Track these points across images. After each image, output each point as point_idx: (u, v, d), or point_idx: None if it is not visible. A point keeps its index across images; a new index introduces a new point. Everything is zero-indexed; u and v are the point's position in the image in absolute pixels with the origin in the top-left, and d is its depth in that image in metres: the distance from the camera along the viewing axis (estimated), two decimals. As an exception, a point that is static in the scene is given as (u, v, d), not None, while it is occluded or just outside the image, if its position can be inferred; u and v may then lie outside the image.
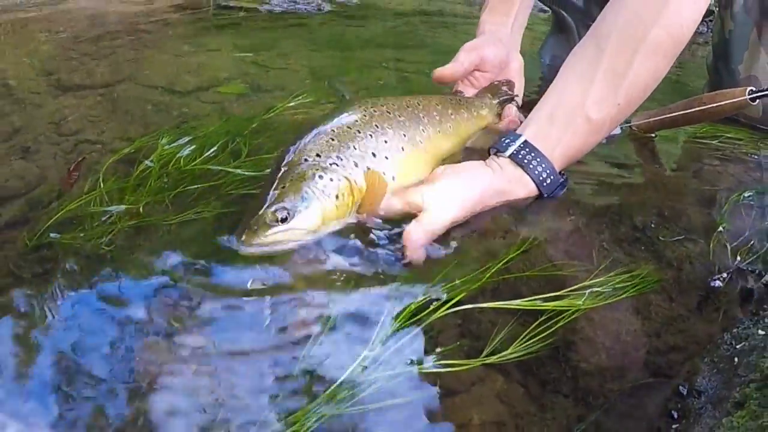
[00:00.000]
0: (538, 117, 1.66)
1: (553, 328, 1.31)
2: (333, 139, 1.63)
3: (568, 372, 1.28)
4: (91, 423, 1.16)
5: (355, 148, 1.62)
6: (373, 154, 1.61)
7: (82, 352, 1.28)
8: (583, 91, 1.61)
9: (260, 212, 1.50)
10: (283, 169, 1.58)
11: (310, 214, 1.52)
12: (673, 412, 1.21)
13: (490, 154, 1.67)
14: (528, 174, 1.59)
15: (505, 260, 1.49)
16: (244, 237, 1.47)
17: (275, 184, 1.56)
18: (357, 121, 1.68)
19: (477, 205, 1.56)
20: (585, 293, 1.40)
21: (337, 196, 1.55)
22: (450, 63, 1.97)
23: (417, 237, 1.46)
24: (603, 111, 1.60)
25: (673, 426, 1.19)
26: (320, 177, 1.55)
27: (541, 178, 1.59)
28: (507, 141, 1.63)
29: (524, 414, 1.20)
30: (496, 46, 2.03)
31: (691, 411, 1.20)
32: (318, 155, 1.59)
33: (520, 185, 1.60)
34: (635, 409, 1.23)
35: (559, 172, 1.64)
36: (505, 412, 1.20)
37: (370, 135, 1.64)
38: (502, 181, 1.59)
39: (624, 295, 1.41)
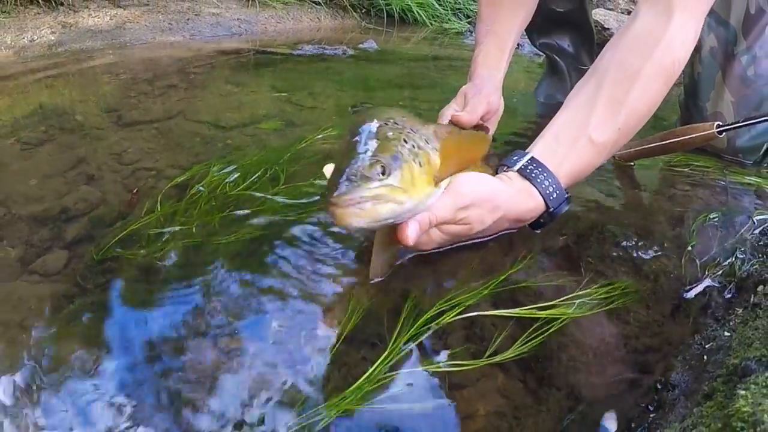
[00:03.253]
0: (544, 137, 1.62)
1: (546, 333, 1.33)
2: (403, 117, 1.52)
3: (560, 369, 1.28)
4: (143, 413, 1.17)
5: (418, 131, 1.49)
6: (426, 141, 1.48)
7: (137, 350, 1.31)
8: (586, 116, 1.58)
9: (353, 167, 1.32)
10: (362, 134, 1.42)
11: (404, 174, 1.34)
12: (650, 403, 1.22)
13: (498, 172, 1.62)
14: (535, 187, 1.53)
15: (507, 273, 1.51)
16: (343, 190, 1.29)
17: (360, 145, 1.38)
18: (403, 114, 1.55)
19: (493, 201, 1.49)
20: (575, 303, 1.42)
21: (420, 164, 1.39)
22: (465, 111, 1.90)
23: (443, 203, 1.41)
24: (605, 135, 1.57)
25: (651, 415, 1.19)
26: (405, 141, 1.41)
27: (548, 191, 1.53)
28: (515, 158, 1.59)
29: (522, 406, 1.21)
30: (496, 94, 2.01)
31: (666, 402, 1.21)
32: (396, 123, 1.47)
33: (528, 197, 1.53)
34: (618, 401, 1.24)
35: (567, 192, 1.59)
36: (506, 404, 1.21)
37: (419, 125, 1.52)
38: (513, 191, 1.53)
39: (609, 306, 1.42)
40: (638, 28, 1.64)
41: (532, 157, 1.56)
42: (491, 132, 2.03)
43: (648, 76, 1.57)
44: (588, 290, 1.45)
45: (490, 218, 1.49)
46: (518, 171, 1.55)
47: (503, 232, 1.63)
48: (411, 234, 1.35)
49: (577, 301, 1.43)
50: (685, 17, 1.60)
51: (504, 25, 2.10)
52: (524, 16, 2.17)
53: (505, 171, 1.59)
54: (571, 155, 1.57)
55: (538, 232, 1.65)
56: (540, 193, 1.53)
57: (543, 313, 1.37)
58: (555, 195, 1.54)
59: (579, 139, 1.57)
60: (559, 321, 1.36)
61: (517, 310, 1.38)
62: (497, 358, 1.27)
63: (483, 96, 1.95)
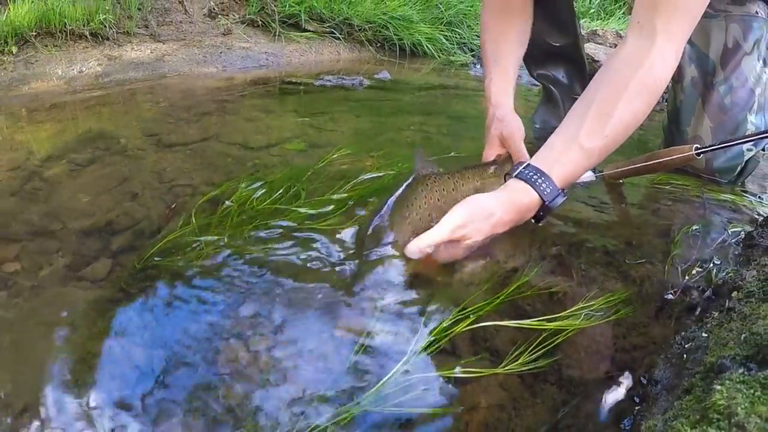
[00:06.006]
0: (542, 148, 1.68)
1: (553, 343, 1.34)
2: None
3: (554, 365, 1.29)
4: (180, 404, 1.18)
5: None
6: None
7: (174, 346, 1.32)
8: (577, 127, 1.63)
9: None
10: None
11: None
12: (635, 396, 1.22)
13: (506, 181, 1.68)
14: (529, 184, 1.59)
15: (514, 286, 1.51)
16: None
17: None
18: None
19: (485, 210, 1.56)
20: (580, 314, 1.42)
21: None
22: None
23: (438, 228, 1.51)
24: (593, 142, 1.61)
25: (636, 408, 1.20)
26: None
27: (541, 187, 1.58)
28: (517, 167, 1.66)
29: (520, 398, 1.22)
30: (520, 123, 2.06)
31: (650, 396, 1.21)
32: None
33: (524, 194, 1.59)
34: (607, 395, 1.24)
35: (562, 190, 1.63)
36: (506, 397, 1.22)
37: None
38: (505, 195, 1.60)
39: (611, 318, 1.43)
40: (625, 51, 1.70)
41: (528, 164, 1.63)
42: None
43: (632, 93, 1.62)
44: (592, 302, 1.46)
45: (488, 225, 1.54)
46: (516, 176, 1.62)
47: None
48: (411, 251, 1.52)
49: (583, 312, 1.43)
50: (666, 42, 1.65)
51: (506, 58, 2.16)
52: (521, 51, 2.24)
53: (507, 179, 1.66)
54: (563, 158, 1.63)
55: (540, 224, 1.69)
56: (533, 189, 1.58)
57: (551, 325, 1.38)
58: (549, 190, 1.59)
59: (570, 145, 1.63)
60: (565, 333, 1.37)
61: (527, 321, 1.39)
62: (503, 370, 1.27)
63: (518, 131, 2.02)
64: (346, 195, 1.92)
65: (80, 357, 1.30)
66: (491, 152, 2.04)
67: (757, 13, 2.20)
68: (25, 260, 1.63)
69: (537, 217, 1.66)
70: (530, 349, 1.31)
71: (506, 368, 1.27)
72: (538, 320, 1.40)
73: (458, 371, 1.27)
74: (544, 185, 1.59)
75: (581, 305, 1.46)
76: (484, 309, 1.42)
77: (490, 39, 2.20)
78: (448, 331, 1.35)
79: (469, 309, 1.42)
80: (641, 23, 1.69)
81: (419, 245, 1.50)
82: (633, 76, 1.64)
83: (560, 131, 1.69)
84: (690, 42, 2.25)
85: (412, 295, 1.47)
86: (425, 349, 1.31)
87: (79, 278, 1.57)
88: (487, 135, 2.08)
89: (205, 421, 1.16)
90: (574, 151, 1.63)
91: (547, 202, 1.60)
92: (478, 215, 1.55)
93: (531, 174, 1.61)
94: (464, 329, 1.36)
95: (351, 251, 1.62)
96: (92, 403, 1.19)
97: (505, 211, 1.58)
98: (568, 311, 1.44)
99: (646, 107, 1.68)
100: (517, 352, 1.31)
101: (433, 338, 1.34)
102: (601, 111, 1.63)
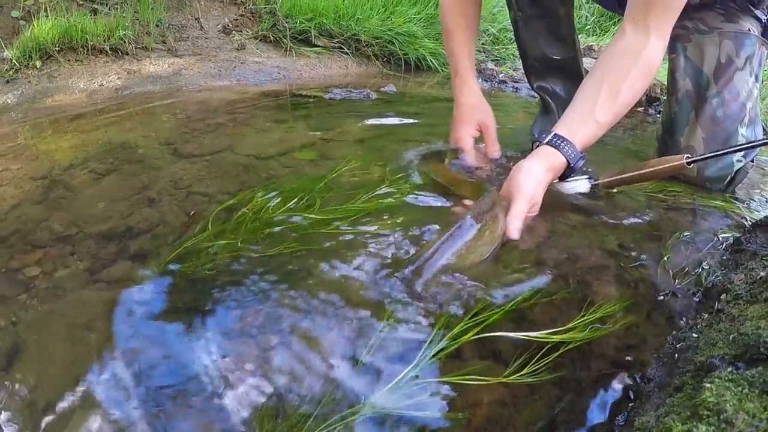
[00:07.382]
0: (564, 119, 1.92)
1: (556, 355, 1.34)
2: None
3: (550, 363, 1.29)
4: (193, 403, 1.19)
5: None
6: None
7: (187, 344, 1.34)
8: (592, 105, 1.87)
9: None
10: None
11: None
12: (629, 394, 1.23)
13: (533, 145, 1.97)
14: (557, 149, 1.84)
15: (516, 300, 1.52)
16: None
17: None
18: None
19: (540, 181, 1.82)
20: (583, 325, 1.43)
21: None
22: (495, 150, 2.39)
23: (513, 224, 1.72)
24: (605, 117, 1.86)
25: (630, 405, 1.21)
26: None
27: (568, 153, 1.83)
28: (545, 136, 1.89)
29: (519, 395, 1.22)
30: (485, 111, 2.43)
31: (643, 393, 1.22)
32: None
33: (554, 157, 1.83)
34: (602, 392, 1.24)
35: (581, 153, 1.87)
36: (506, 393, 1.22)
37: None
38: (542, 158, 1.84)
39: (612, 328, 1.44)
40: (626, 42, 1.90)
41: (555, 133, 1.87)
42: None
43: (633, 78, 1.87)
44: (593, 314, 1.47)
45: (542, 187, 1.84)
46: (545, 143, 1.86)
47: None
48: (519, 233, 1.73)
49: (586, 323, 1.44)
50: (657, 37, 1.88)
51: (473, 47, 2.57)
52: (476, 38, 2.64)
53: (538, 145, 1.89)
54: (582, 129, 1.88)
55: (568, 180, 1.99)
56: (562, 154, 1.84)
57: (556, 338, 1.38)
58: (572, 154, 1.84)
59: (588, 120, 1.88)
60: (567, 345, 1.38)
61: (534, 333, 1.40)
62: (508, 379, 1.28)
63: (494, 121, 2.43)
64: (358, 206, 1.92)
65: (100, 357, 1.31)
66: (468, 131, 2.42)
67: (749, 30, 2.22)
68: (48, 265, 1.64)
69: (562, 176, 1.92)
70: (535, 358, 1.32)
71: (511, 377, 1.28)
72: (543, 333, 1.40)
73: (465, 377, 1.27)
74: (568, 150, 1.85)
75: (583, 315, 1.46)
76: (492, 318, 1.43)
77: (458, 28, 2.51)
78: (457, 340, 1.36)
79: (479, 317, 1.42)
80: (636, 19, 1.89)
81: (517, 224, 1.72)
82: (634, 65, 1.86)
83: (576, 107, 1.93)
84: (685, 57, 2.30)
85: (422, 301, 1.48)
86: (434, 354, 1.32)
87: (98, 281, 1.58)
88: (462, 115, 2.46)
89: (216, 419, 1.17)
90: (590, 124, 1.87)
91: (572, 164, 1.86)
92: (534, 180, 1.81)
93: (558, 141, 1.86)
94: (473, 337, 1.37)
95: (362, 255, 1.63)
96: (110, 402, 1.20)
97: (546, 172, 1.84)
98: (570, 324, 1.44)
99: (643, 87, 1.93)
100: (521, 360, 1.32)
101: (442, 344, 1.34)
102: (610, 92, 1.87)
